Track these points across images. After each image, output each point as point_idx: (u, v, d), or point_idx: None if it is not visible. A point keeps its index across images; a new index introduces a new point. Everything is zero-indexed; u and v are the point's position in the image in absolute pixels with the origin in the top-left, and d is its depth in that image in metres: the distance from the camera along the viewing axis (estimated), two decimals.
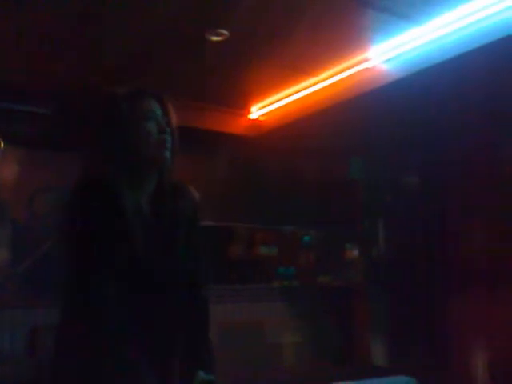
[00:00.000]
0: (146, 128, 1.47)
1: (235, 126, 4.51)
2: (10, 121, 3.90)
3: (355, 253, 5.29)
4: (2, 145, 4.00)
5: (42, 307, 3.61)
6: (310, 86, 3.91)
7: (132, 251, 1.43)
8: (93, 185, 1.44)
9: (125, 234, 1.42)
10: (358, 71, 3.61)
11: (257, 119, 4.50)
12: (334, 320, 4.98)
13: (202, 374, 1.49)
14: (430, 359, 4.28)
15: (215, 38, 3.23)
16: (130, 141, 1.47)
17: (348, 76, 3.67)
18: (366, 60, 3.54)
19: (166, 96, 1.57)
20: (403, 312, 4.66)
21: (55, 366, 1.48)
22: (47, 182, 4.01)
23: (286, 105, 4.19)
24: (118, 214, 1.41)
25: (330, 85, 3.79)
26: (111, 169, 1.47)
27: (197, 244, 1.62)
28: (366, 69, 3.57)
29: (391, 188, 4.90)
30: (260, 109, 4.41)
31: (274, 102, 4.26)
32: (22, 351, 3.65)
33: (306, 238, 5.29)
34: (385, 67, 3.49)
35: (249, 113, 4.49)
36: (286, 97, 4.13)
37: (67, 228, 1.45)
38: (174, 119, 1.56)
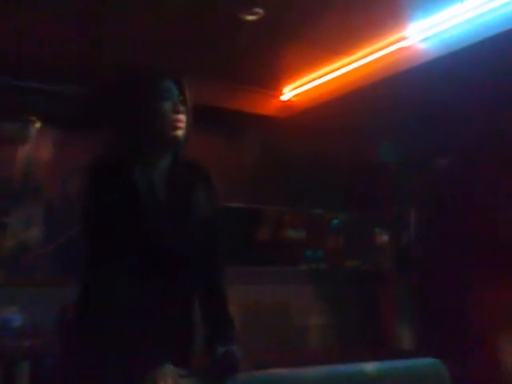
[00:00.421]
0: (161, 107, 1.51)
1: (267, 107, 4.48)
2: (46, 102, 3.94)
3: (384, 237, 5.25)
4: (39, 125, 4.06)
5: (72, 285, 3.67)
6: (344, 66, 3.85)
7: (146, 227, 1.45)
8: (105, 162, 1.49)
9: (138, 209, 1.44)
10: (394, 50, 3.53)
11: (289, 100, 4.46)
12: (361, 303, 4.97)
13: (234, 348, 1.49)
14: (457, 343, 4.24)
15: (250, 17, 3.19)
16: (146, 120, 1.51)
17: (383, 55, 3.59)
18: (402, 39, 3.46)
19: (183, 77, 1.58)
20: (431, 297, 4.61)
21: (70, 342, 1.53)
22: (81, 163, 4.06)
23: (318, 85, 4.13)
24: (131, 190, 1.44)
25: (365, 65, 3.72)
26: (126, 147, 1.51)
27: (214, 220, 1.63)
28: (402, 48, 3.49)
29: (423, 170, 4.82)
30: (292, 90, 4.36)
31: (306, 83, 4.21)
32: (53, 327, 3.72)
33: (335, 221, 5.26)
34: (422, 46, 3.40)
35: (281, 94, 4.45)
36: (319, 77, 4.07)
37: (83, 205, 1.48)
38: (191, 99, 1.58)
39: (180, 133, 1.52)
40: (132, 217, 1.43)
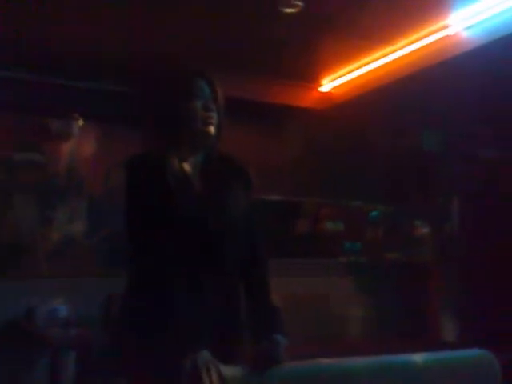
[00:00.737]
0: (193, 105, 1.58)
1: (306, 99, 4.46)
2: (89, 99, 4.03)
3: (425, 229, 5.16)
4: (82, 122, 4.15)
5: (116, 276, 3.75)
6: (385, 55, 3.80)
7: (185, 218, 1.50)
8: (143, 158, 1.56)
9: (177, 201, 1.49)
10: (437, 39, 3.46)
11: (328, 92, 4.43)
12: (402, 296, 4.91)
13: (278, 337, 1.49)
14: (503, 333, 4.15)
15: (289, 10, 3.18)
16: (179, 117, 1.58)
17: (426, 44, 3.53)
18: (445, 27, 3.39)
19: (213, 75, 1.66)
20: (475, 287, 4.52)
21: (122, 330, 1.58)
22: (122, 158, 4.14)
23: (358, 76, 4.10)
24: (169, 183, 1.50)
25: (407, 54, 3.67)
26: (163, 142, 1.59)
27: (252, 212, 1.66)
28: (446, 36, 3.42)
29: (466, 160, 4.71)
30: (331, 81, 4.33)
31: (345, 74, 4.17)
32: (98, 317, 3.82)
33: (374, 213, 5.21)
34: (466, 34, 3.33)
35: (320, 85, 4.42)
36: (359, 68, 4.03)
37: (124, 199, 1.54)
38: (221, 98, 1.65)
39: (211, 129, 1.59)
40: (171, 208, 1.48)
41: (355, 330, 4.78)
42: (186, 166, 1.58)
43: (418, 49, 3.58)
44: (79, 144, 4.17)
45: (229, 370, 1.35)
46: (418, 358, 1.42)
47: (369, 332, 4.73)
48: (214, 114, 1.59)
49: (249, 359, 1.47)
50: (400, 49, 3.69)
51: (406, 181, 4.82)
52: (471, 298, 4.60)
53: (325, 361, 1.42)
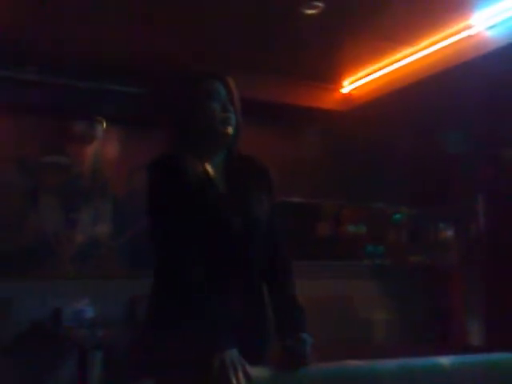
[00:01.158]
0: (210, 107, 1.60)
1: (327, 100, 4.45)
2: (112, 101, 4.08)
3: (449, 232, 5.12)
4: (105, 124, 4.21)
5: (140, 277, 3.78)
6: (406, 56, 3.78)
7: (209, 217, 1.52)
8: (165, 159, 1.58)
9: (200, 201, 1.52)
10: (460, 39, 3.44)
11: (349, 93, 4.42)
12: (425, 299, 4.87)
13: (304, 335, 1.49)
14: None
15: (310, 11, 3.19)
16: (197, 118, 1.61)
17: (448, 44, 3.50)
18: (468, 27, 3.37)
19: (229, 77, 1.68)
20: (501, 291, 4.46)
21: (149, 330, 1.60)
22: (145, 160, 4.17)
23: (379, 77, 4.08)
24: (191, 183, 1.52)
25: (428, 54, 3.64)
26: (183, 143, 1.61)
27: (274, 213, 1.68)
28: (469, 36, 3.39)
29: (491, 162, 4.65)
30: (352, 82, 4.33)
31: (366, 75, 4.16)
32: (124, 317, 3.86)
33: (397, 215, 5.17)
34: (489, 34, 3.30)
35: (341, 87, 4.42)
36: (380, 69, 4.02)
37: (148, 200, 1.56)
38: (237, 99, 1.67)
39: (230, 130, 1.61)
40: (196, 209, 1.50)
41: (379, 333, 4.75)
42: (208, 167, 1.60)
43: (440, 49, 3.56)
44: (103, 146, 4.22)
45: (256, 371, 1.36)
46: (445, 360, 1.40)
47: (393, 335, 4.69)
48: (231, 115, 1.62)
49: (276, 359, 1.47)
50: (422, 50, 3.66)
51: (429, 182, 4.79)
52: (497, 301, 4.54)
53: (352, 362, 1.42)
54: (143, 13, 3.20)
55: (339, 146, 4.73)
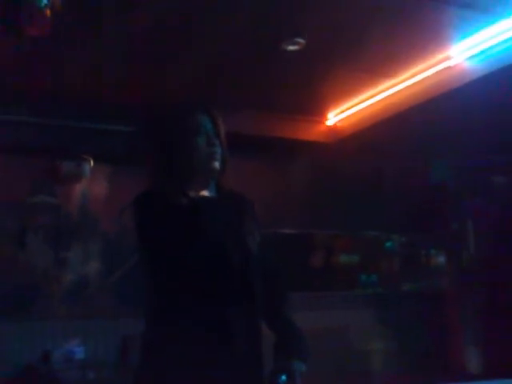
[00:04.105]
0: (196, 142, 1.59)
1: (313, 133, 4.51)
2: (98, 140, 4.10)
3: (441, 258, 5.12)
4: (92, 163, 4.21)
5: (132, 317, 3.74)
6: (389, 88, 3.85)
7: (199, 251, 1.49)
8: (147, 195, 1.57)
9: (188, 236, 1.48)
10: (440, 70, 3.51)
11: (334, 125, 4.48)
12: (421, 327, 4.84)
13: (297, 363, 1.47)
14: None
15: (292, 48, 3.25)
16: (183, 154, 1.59)
17: (429, 76, 3.58)
18: (447, 58, 3.44)
19: (215, 110, 1.67)
20: (499, 316, 4.45)
21: (142, 368, 1.56)
22: (134, 197, 4.16)
23: (363, 109, 4.14)
24: (178, 217, 1.49)
25: (410, 86, 3.71)
26: (168, 180, 1.59)
27: (264, 246, 1.66)
28: (448, 67, 3.47)
29: (479, 189, 4.70)
30: (337, 115, 4.39)
31: (351, 107, 4.23)
32: (115, 358, 3.79)
33: (389, 243, 5.18)
34: (468, 65, 3.37)
35: (326, 119, 4.48)
36: (364, 101, 4.09)
37: (137, 235, 1.55)
38: (223, 131, 1.65)
39: (216, 164, 1.60)
40: (183, 244, 1.47)
41: (376, 363, 4.69)
42: (197, 201, 1.58)
43: (421, 80, 3.63)
44: (91, 184, 4.21)
45: None
46: None
47: (390, 365, 4.64)
48: (217, 149, 1.60)
49: None
50: (403, 81, 3.74)
51: (418, 210, 4.81)
52: (494, 326, 4.52)
53: None
54: (129, 51, 3.24)
55: (329, 177, 4.76)
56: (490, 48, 3.23)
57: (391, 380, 4.34)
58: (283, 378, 1.44)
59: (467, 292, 4.78)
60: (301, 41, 3.18)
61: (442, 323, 4.87)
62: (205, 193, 1.62)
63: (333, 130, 4.50)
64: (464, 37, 3.24)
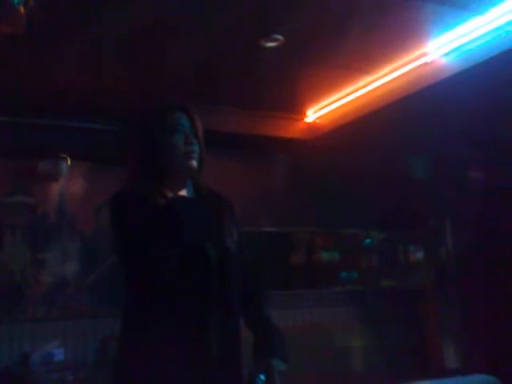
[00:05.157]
0: (173, 141, 1.58)
1: (292, 130, 4.51)
2: (75, 138, 4.05)
3: (419, 255, 5.18)
4: (69, 162, 4.16)
5: (111, 317, 3.71)
6: (367, 84, 3.87)
7: (177, 249, 1.47)
8: (123, 194, 1.55)
9: (166, 234, 1.44)
10: (417, 66, 3.53)
11: (313, 122, 4.49)
12: (400, 323, 4.88)
13: (276, 362, 1.48)
14: (505, 358, 4.12)
15: (270, 44, 3.25)
16: (160, 152, 1.58)
17: (406, 72, 3.60)
18: (424, 55, 3.46)
19: (192, 108, 1.66)
20: (475, 312, 4.51)
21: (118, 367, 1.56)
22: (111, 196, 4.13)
23: (342, 106, 4.15)
24: (155, 216, 1.45)
25: (388, 82, 3.73)
26: (145, 179, 1.57)
27: (243, 244, 1.68)
28: (425, 64, 3.49)
29: (456, 186, 4.75)
30: (316, 111, 4.39)
31: (329, 104, 4.23)
32: (94, 359, 3.76)
33: (368, 240, 5.21)
34: (444, 61, 3.40)
35: (305, 116, 4.48)
36: (342, 98, 4.09)
37: (113, 235, 1.52)
38: (201, 130, 1.65)
39: (193, 163, 1.59)
40: (161, 243, 1.43)
41: (356, 360, 4.72)
42: (172, 200, 1.55)
43: (398, 77, 3.65)
44: (68, 184, 4.16)
45: None
46: None
47: (371, 362, 4.67)
48: (195, 148, 1.59)
49: None
50: (381, 78, 3.75)
51: (396, 206, 4.85)
52: (472, 321, 4.58)
53: None
54: (106, 50, 3.20)
55: (308, 174, 4.77)
56: (466, 44, 3.25)
57: (371, 376, 4.37)
58: (262, 377, 1.43)
59: (445, 288, 4.84)
60: (279, 37, 3.18)
61: (422, 319, 4.92)
62: (182, 192, 1.61)
63: (312, 126, 4.50)
64: (440, 33, 3.26)
